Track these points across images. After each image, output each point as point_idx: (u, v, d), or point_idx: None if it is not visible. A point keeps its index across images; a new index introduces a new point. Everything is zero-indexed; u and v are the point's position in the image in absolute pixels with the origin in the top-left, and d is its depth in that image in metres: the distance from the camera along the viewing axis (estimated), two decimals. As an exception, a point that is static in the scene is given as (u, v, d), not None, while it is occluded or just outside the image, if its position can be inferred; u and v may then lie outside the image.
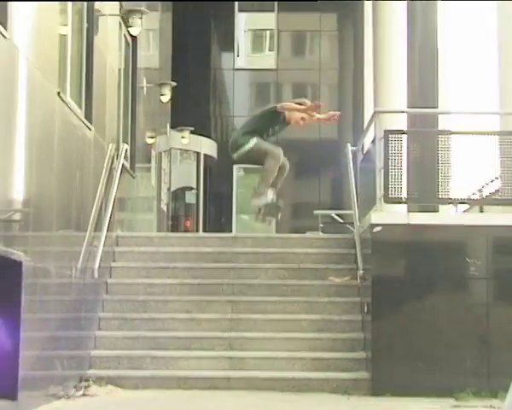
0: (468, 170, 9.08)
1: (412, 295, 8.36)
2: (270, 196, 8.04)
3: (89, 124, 8.61)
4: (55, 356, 7.35)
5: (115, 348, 8.72)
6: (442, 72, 13.13)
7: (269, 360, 8.59)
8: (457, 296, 8.39)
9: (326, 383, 8.25)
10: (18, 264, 6.11)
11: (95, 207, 8.81)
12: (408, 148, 8.76)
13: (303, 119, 7.97)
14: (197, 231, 19.15)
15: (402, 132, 8.92)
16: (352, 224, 11.01)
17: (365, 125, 11.52)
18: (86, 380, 7.99)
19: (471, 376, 8.08)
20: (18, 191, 6.28)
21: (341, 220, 14.68)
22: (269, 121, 7.99)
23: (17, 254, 6.08)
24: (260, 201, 8.02)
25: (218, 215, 21.34)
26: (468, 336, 8.28)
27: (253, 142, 7.86)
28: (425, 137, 9.27)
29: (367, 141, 10.41)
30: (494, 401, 7.53)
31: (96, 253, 8.59)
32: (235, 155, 8.03)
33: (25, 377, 6.17)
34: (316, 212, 16.31)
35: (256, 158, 7.99)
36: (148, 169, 14.57)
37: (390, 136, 8.64)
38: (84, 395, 7.55)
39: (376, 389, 8.05)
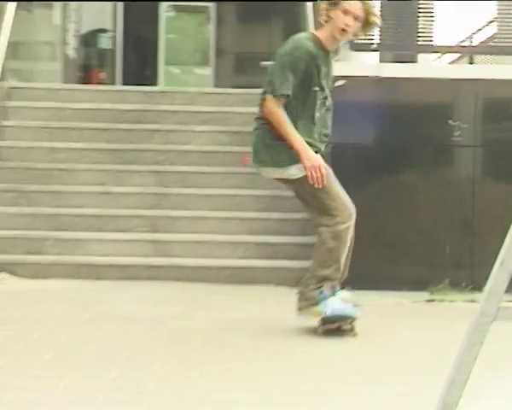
0: (457, 12, 9.08)
1: (381, 166, 8.42)
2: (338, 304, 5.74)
3: None
4: None
5: (9, 228, 8.71)
6: None
7: (201, 244, 8.68)
8: (437, 169, 8.48)
9: (272, 274, 8.38)
10: None
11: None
12: (381, -20, 8.69)
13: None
14: (113, 83, 18.94)
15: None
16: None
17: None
18: (-29, 266, 8.01)
19: (451, 266, 8.27)
20: None
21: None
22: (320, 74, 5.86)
23: None
24: (321, 307, 5.72)
25: (140, 65, 21.08)
26: (449, 218, 8.42)
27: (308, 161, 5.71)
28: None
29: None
30: (477, 295, 7.74)
31: (-17, 108, 8.50)
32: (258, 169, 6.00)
33: None
34: (263, 63, 16.19)
35: (303, 196, 6.04)
36: (50, 5, 14.26)
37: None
38: (-32, 283, 7.58)
39: (334, 280, 8.18)
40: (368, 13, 5.85)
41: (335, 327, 5.72)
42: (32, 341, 5.11)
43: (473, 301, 7.55)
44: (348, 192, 8.28)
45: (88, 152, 9.63)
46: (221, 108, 10.34)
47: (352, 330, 5.77)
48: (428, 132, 8.45)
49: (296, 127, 5.75)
